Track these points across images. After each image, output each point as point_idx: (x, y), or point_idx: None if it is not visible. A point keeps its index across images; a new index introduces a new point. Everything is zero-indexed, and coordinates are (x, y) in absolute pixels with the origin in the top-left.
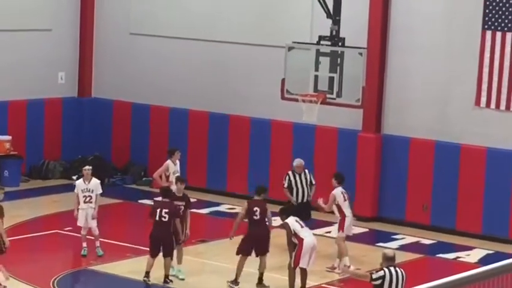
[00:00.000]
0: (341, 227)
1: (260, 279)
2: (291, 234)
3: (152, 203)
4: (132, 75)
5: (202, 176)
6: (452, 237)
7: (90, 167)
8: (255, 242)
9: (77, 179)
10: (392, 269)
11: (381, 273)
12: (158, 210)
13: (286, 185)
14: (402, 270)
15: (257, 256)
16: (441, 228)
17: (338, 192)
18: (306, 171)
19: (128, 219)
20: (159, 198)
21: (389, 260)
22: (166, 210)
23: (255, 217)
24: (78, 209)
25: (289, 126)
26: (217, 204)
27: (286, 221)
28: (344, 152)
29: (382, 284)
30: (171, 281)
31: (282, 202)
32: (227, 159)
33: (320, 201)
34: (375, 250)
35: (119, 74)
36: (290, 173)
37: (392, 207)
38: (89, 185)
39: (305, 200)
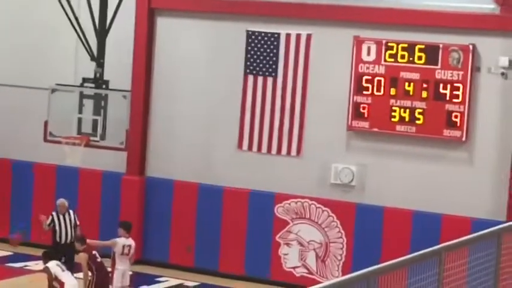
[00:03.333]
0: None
1: None
2: (52, 279)
3: None
4: None
5: None
6: (215, 278)
7: None
8: None
9: None
10: None
11: None
12: None
13: (47, 223)
14: None
15: None
16: (204, 270)
17: (120, 244)
18: (71, 211)
19: None
20: None
21: None
22: None
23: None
24: None
25: (52, 169)
26: None
27: (47, 265)
28: (108, 194)
29: None
30: None
31: (45, 246)
32: (9, 205)
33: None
34: None
35: None
36: (54, 213)
37: (156, 249)
38: None
39: (68, 241)
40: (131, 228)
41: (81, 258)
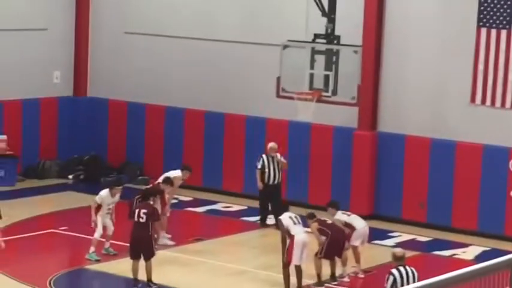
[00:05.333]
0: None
1: None
2: (285, 231)
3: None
4: (127, 74)
5: (198, 175)
6: (448, 234)
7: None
8: None
9: (73, 178)
10: (402, 268)
11: (391, 279)
12: (136, 211)
13: (259, 166)
14: (413, 268)
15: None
16: (437, 226)
17: (337, 217)
18: (278, 154)
19: (123, 218)
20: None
21: (399, 260)
22: (145, 211)
23: None
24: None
25: (284, 124)
26: (214, 203)
27: (280, 217)
28: (340, 150)
29: (396, 286)
30: (155, 284)
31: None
32: (223, 157)
33: None
34: (371, 247)
35: (114, 73)
36: (264, 156)
37: (389, 204)
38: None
39: (275, 182)
40: (339, 204)
41: (312, 228)
